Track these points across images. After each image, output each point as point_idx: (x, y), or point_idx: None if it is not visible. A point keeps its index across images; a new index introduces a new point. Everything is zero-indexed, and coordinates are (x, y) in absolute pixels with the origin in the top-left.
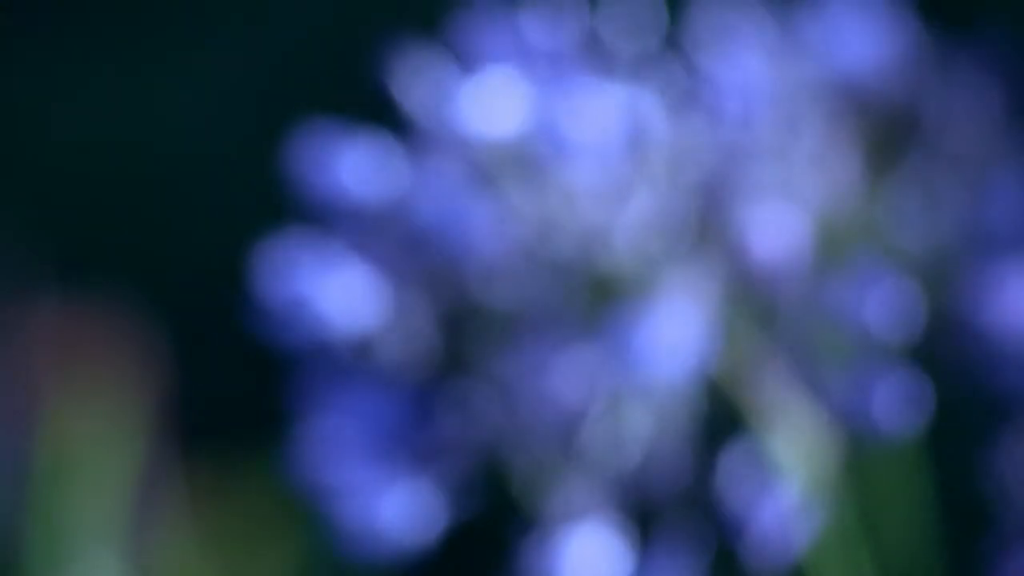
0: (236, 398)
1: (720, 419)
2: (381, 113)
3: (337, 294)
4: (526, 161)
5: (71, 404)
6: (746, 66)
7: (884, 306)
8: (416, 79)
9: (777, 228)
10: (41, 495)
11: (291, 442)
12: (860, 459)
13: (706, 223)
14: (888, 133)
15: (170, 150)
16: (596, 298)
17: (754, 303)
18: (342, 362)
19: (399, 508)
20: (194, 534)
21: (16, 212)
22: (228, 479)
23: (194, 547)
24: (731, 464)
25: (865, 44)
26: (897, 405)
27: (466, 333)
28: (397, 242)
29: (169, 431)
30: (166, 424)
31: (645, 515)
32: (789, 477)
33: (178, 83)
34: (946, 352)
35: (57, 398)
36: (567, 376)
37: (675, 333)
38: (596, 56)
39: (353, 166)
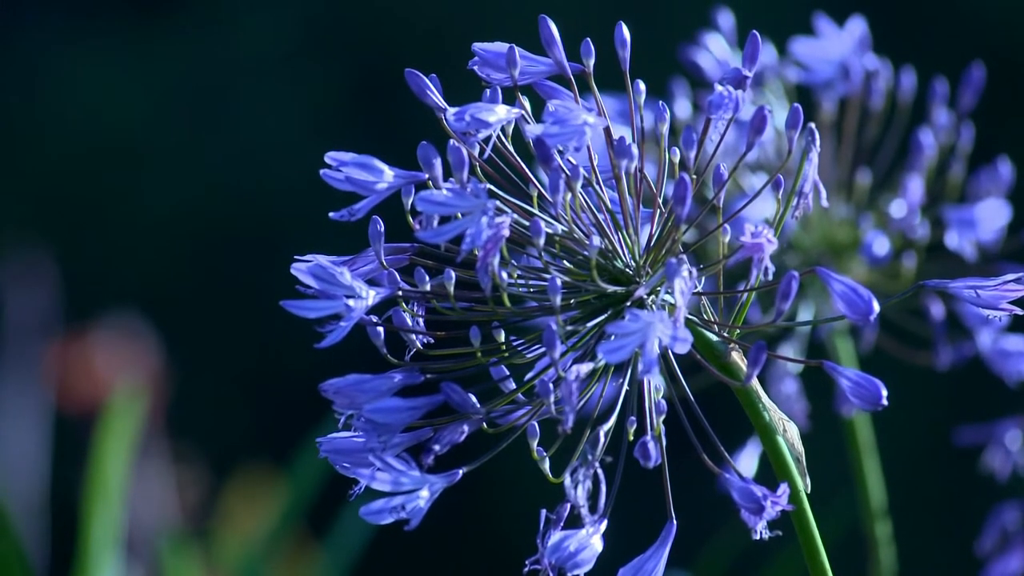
0: (239, 413)
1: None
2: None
3: (357, 290)
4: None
5: (88, 418)
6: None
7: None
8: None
9: (758, 230)
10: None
11: (302, 452)
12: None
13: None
14: (864, 145)
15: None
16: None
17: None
18: (358, 357)
19: (416, 495)
20: (200, 541)
21: (18, 213)
22: (238, 492)
23: (202, 556)
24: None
25: (846, 62)
26: (857, 391)
27: (481, 326)
28: (417, 236)
29: (176, 444)
30: (172, 437)
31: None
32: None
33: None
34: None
35: (75, 412)
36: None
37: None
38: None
39: (370, 162)
